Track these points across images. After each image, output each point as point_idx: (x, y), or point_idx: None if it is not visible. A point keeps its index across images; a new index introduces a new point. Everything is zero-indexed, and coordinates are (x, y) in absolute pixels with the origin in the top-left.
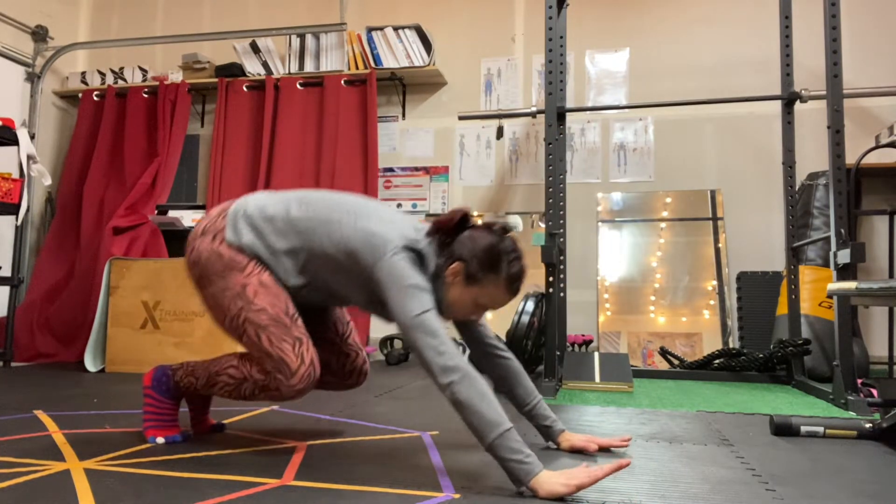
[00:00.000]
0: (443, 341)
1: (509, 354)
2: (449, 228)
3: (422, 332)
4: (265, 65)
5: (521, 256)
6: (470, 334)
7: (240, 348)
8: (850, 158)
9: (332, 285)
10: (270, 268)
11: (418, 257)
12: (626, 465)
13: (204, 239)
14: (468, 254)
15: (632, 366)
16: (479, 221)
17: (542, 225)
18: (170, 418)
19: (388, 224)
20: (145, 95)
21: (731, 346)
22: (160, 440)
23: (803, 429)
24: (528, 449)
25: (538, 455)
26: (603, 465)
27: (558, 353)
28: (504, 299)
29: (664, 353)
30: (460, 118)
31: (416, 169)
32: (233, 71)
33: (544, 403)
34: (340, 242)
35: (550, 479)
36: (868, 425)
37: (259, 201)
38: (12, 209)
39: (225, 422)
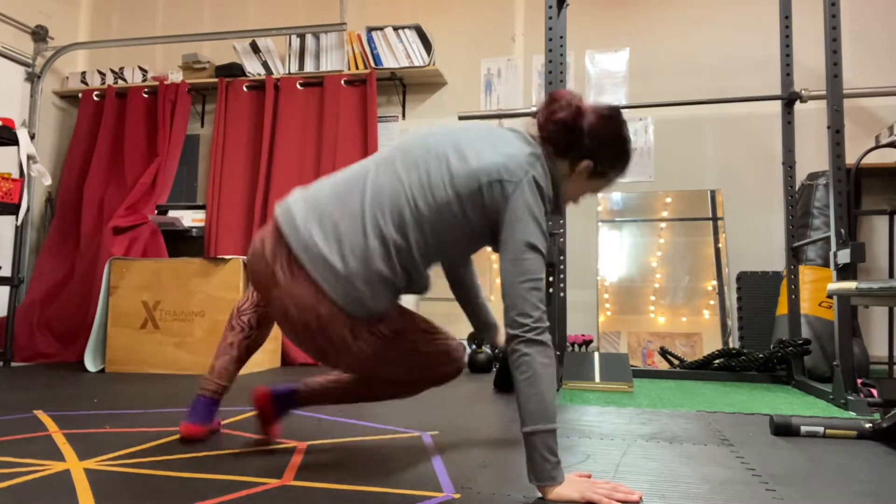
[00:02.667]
0: (541, 296)
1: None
2: (571, 126)
3: (528, 275)
4: (265, 65)
5: (630, 140)
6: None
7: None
8: (850, 158)
9: (452, 248)
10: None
11: (545, 176)
12: (639, 497)
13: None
14: (598, 149)
15: (632, 366)
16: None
17: None
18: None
19: (503, 148)
20: (145, 95)
21: (731, 346)
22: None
23: (803, 429)
24: (559, 457)
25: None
26: (620, 485)
27: (558, 353)
28: (616, 182)
29: (664, 353)
30: (460, 118)
31: None
32: (233, 71)
33: (487, 305)
34: (469, 171)
35: (566, 483)
36: (868, 425)
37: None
38: (12, 209)
39: (225, 422)
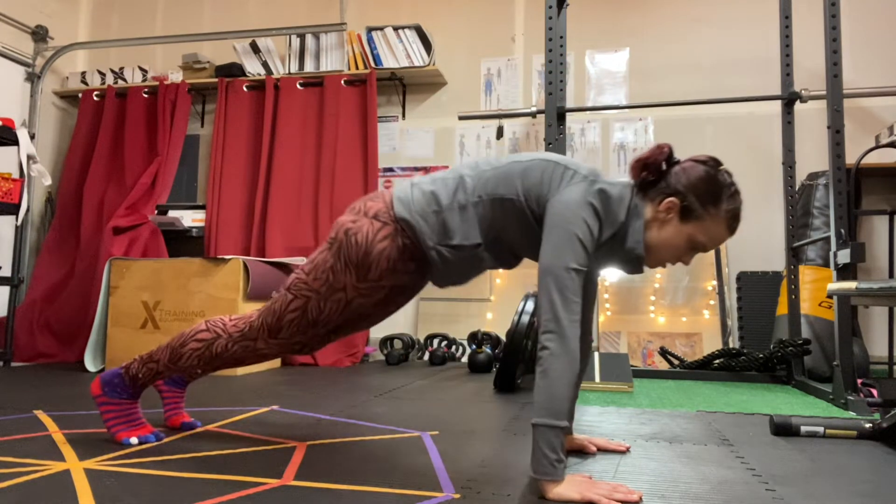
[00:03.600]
0: (569, 306)
1: (588, 338)
2: (657, 165)
3: (559, 286)
4: (265, 65)
5: (740, 191)
6: (584, 296)
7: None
8: (850, 158)
9: (507, 235)
10: (442, 242)
11: (604, 198)
12: (640, 497)
13: (373, 224)
14: (684, 187)
15: (632, 366)
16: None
17: None
18: (134, 417)
19: (566, 158)
20: (145, 95)
21: (731, 346)
22: (134, 440)
23: (803, 429)
24: (565, 457)
25: None
26: (620, 486)
27: None
28: (722, 237)
29: (664, 353)
30: (460, 118)
31: (417, 169)
32: (233, 71)
33: (574, 404)
34: (512, 175)
35: (565, 483)
36: (868, 425)
37: (422, 179)
38: (12, 209)
39: (225, 421)
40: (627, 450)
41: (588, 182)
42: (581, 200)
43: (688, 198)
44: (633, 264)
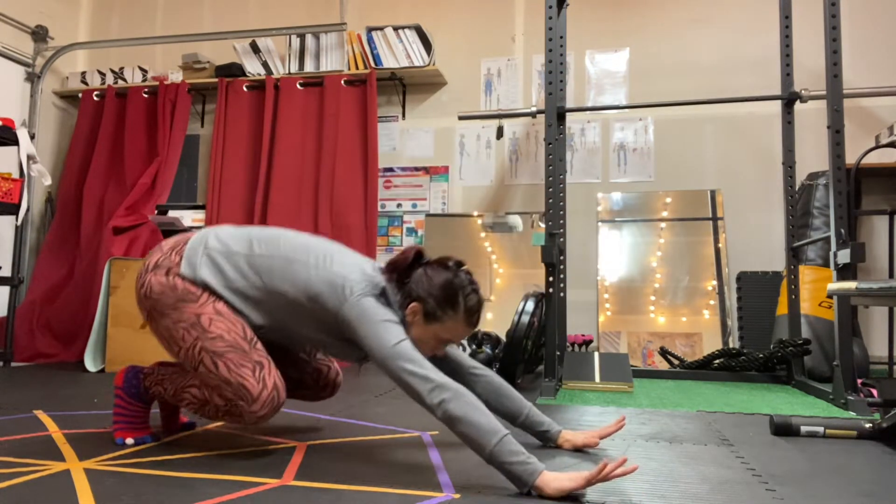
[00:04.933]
0: (423, 365)
1: (487, 371)
2: (403, 267)
3: (402, 360)
4: (265, 65)
5: (478, 289)
6: (446, 365)
7: None
8: (850, 158)
9: (294, 327)
10: (226, 302)
11: (383, 297)
12: (634, 469)
13: (157, 272)
14: (424, 292)
15: (632, 366)
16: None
17: (542, 225)
18: (140, 420)
19: (349, 266)
20: (145, 95)
21: (731, 346)
22: (129, 441)
23: (803, 429)
24: (527, 451)
25: (538, 456)
26: (608, 462)
27: (558, 353)
28: (465, 332)
29: (664, 353)
30: (460, 118)
31: (417, 169)
32: (233, 71)
33: (535, 409)
34: (303, 285)
35: (557, 476)
36: (868, 425)
37: (220, 236)
38: (12, 209)
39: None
40: (622, 422)
41: (369, 288)
42: (367, 299)
43: (428, 303)
44: None
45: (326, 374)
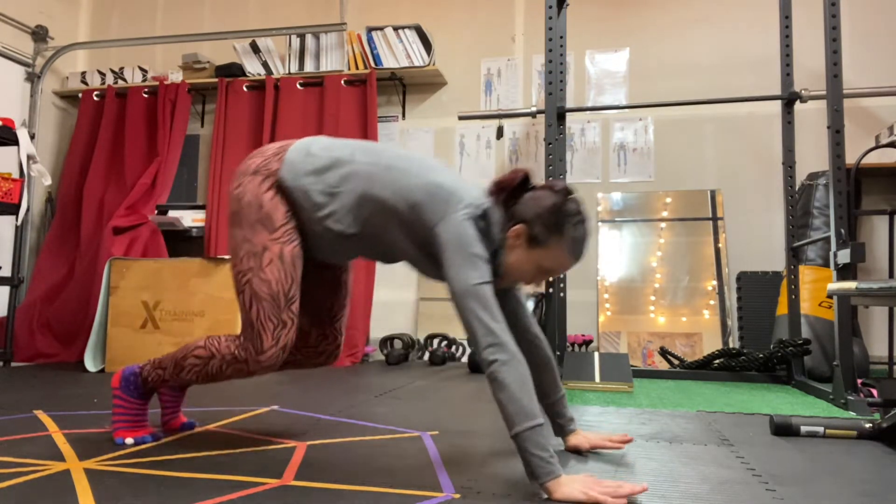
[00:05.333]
0: (495, 316)
1: (543, 341)
2: (510, 188)
3: (476, 303)
4: (265, 65)
5: (586, 219)
6: (508, 309)
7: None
8: (850, 158)
9: (386, 237)
10: (316, 217)
11: (484, 221)
12: (644, 489)
13: (254, 179)
14: (531, 215)
15: (632, 366)
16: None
17: None
18: (139, 418)
19: (453, 181)
20: (145, 95)
21: (731, 346)
22: (129, 441)
23: (803, 429)
24: (552, 450)
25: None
26: (624, 483)
27: (558, 353)
28: (567, 263)
29: (664, 353)
30: (460, 118)
31: None
32: (233, 71)
33: (566, 401)
34: (404, 191)
35: (570, 483)
36: (868, 425)
37: (323, 143)
38: (12, 209)
39: (225, 421)
40: (627, 440)
41: (472, 207)
42: (464, 220)
43: (534, 226)
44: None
45: (331, 342)
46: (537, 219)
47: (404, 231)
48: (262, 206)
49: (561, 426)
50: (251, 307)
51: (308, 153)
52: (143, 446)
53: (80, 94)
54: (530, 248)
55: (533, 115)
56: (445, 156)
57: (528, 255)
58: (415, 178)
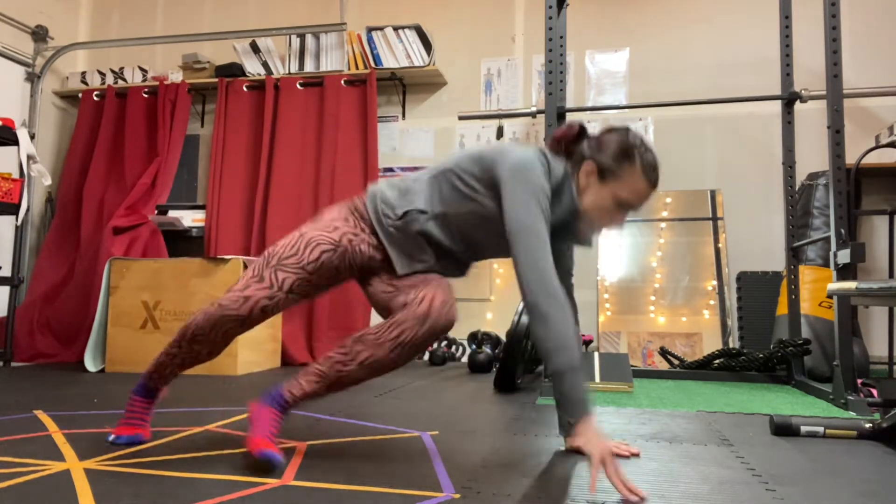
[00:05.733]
0: (547, 254)
1: (573, 302)
2: (569, 139)
3: (533, 237)
4: (265, 65)
5: (652, 148)
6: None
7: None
8: (850, 158)
9: (468, 204)
10: (404, 217)
11: (546, 157)
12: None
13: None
14: (597, 152)
15: (632, 366)
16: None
17: None
18: (137, 416)
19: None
20: (145, 95)
21: (731, 346)
22: (113, 437)
23: (803, 429)
24: (588, 394)
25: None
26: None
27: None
28: (645, 190)
29: (664, 353)
30: (460, 118)
31: (417, 169)
32: (233, 71)
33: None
34: (466, 155)
35: (598, 432)
36: (868, 425)
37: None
38: (12, 209)
39: (225, 421)
40: (635, 455)
41: (532, 151)
42: (529, 156)
43: (602, 159)
44: (575, 226)
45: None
46: (604, 153)
47: (481, 185)
48: (323, 213)
49: (567, 426)
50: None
51: (380, 187)
52: (144, 446)
53: (80, 94)
54: (603, 182)
55: (533, 115)
56: (445, 156)
57: (602, 190)
58: (472, 148)
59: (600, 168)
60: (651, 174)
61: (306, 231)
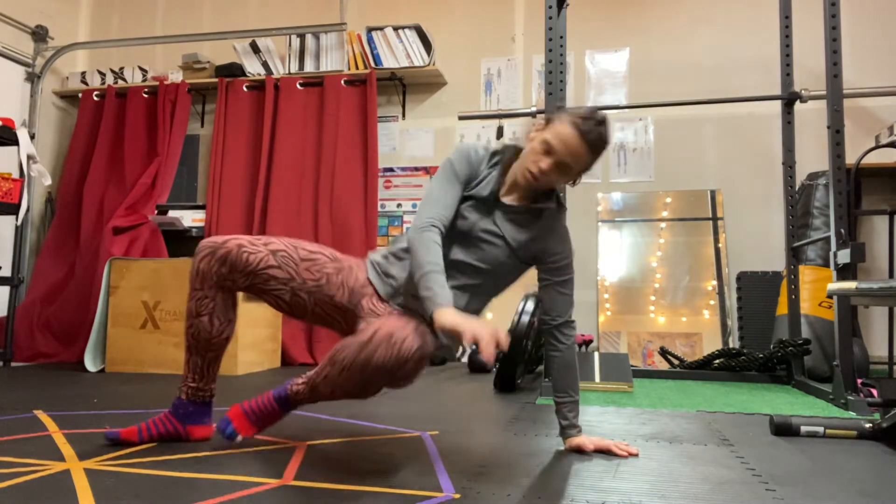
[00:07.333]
0: (429, 205)
1: (573, 343)
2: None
3: (426, 197)
4: (265, 65)
5: (602, 118)
6: (547, 305)
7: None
8: (850, 158)
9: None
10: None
11: (487, 153)
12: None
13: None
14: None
15: (632, 366)
16: None
17: None
18: (155, 421)
19: None
20: (145, 95)
21: (731, 346)
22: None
23: (803, 429)
24: (443, 291)
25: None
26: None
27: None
28: (570, 137)
29: (664, 353)
30: (460, 118)
31: (416, 169)
32: (233, 71)
33: (577, 408)
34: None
35: (448, 312)
36: (868, 425)
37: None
38: (12, 209)
39: None
40: (634, 455)
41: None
42: (463, 145)
43: (546, 121)
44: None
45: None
46: (550, 118)
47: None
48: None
49: (566, 428)
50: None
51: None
52: (145, 446)
53: (80, 94)
54: (539, 130)
55: (533, 115)
56: (445, 156)
57: (536, 136)
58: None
59: (545, 119)
60: (581, 124)
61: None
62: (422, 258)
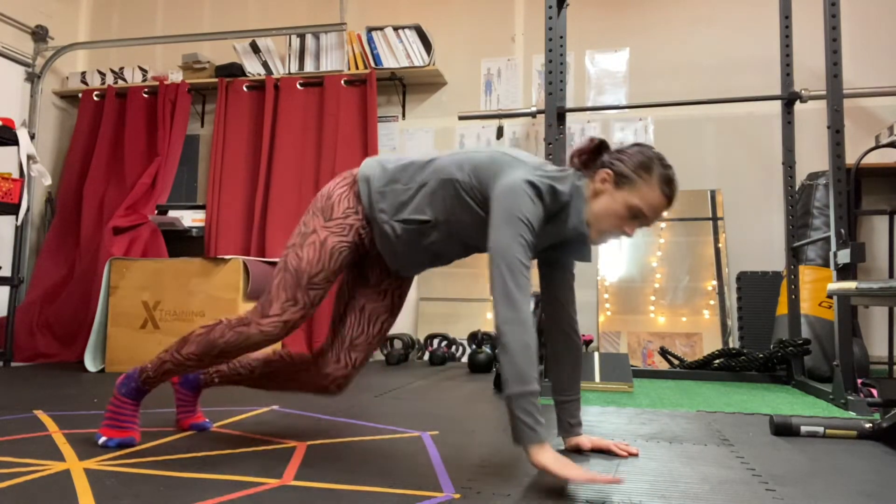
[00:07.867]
0: (520, 281)
1: (578, 339)
2: (588, 152)
3: (504, 264)
4: (265, 65)
5: (671, 166)
6: (554, 295)
7: None
8: (850, 158)
9: (456, 216)
10: (394, 212)
11: (550, 190)
12: (619, 481)
13: (339, 181)
14: (616, 160)
15: (632, 366)
16: None
17: None
18: (126, 419)
19: (524, 153)
20: (145, 95)
21: (731, 346)
22: (104, 440)
23: (803, 429)
24: (542, 418)
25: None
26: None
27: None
28: (658, 202)
29: (664, 353)
30: (460, 118)
31: None
32: (233, 71)
33: (579, 405)
34: (467, 161)
35: (547, 452)
36: (868, 425)
37: (393, 155)
38: (12, 209)
39: (225, 422)
40: (633, 455)
41: (530, 168)
42: (521, 181)
43: (620, 167)
44: (580, 243)
45: (340, 367)
46: (623, 162)
47: (470, 198)
48: (330, 198)
49: (567, 427)
50: (276, 276)
51: (380, 161)
52: (144, 446)
53: (80, 94)
54: (618, 189)
55: (533, 115)
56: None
57: (616, 195)
58: (481, 152)
59: (617, 174)
60: (666, 188)
61: (325, 236)
62: (522, 369)
